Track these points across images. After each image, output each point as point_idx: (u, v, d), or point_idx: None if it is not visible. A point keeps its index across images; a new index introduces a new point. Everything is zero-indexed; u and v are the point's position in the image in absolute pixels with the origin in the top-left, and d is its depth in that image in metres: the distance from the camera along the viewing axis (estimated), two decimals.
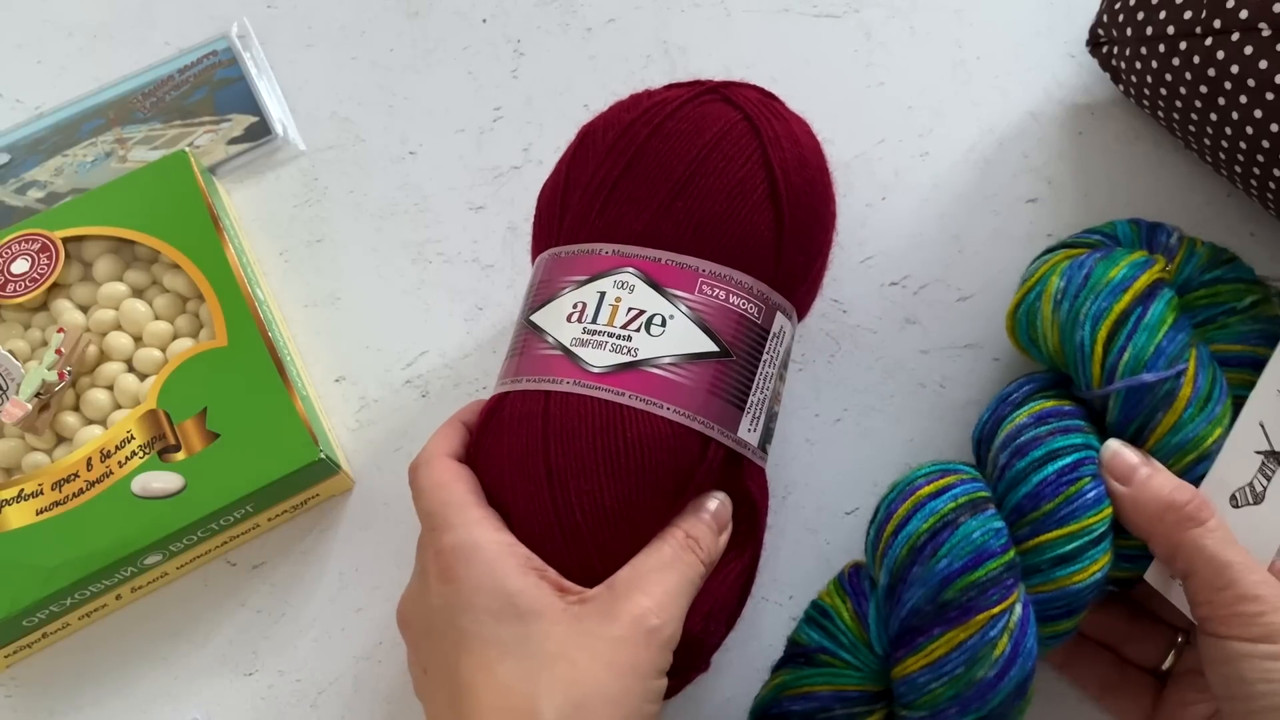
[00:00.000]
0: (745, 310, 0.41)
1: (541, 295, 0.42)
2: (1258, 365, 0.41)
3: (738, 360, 0.40)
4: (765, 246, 0.41)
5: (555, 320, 0.41)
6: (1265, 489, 0.41)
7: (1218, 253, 0.44)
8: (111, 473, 0.45)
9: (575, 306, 0.40)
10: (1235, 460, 0.40)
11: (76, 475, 0.45)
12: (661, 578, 0.37)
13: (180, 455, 0.45)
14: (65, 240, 0.49)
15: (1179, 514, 0.38)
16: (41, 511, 0.45)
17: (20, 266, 0.49)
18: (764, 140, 0.42)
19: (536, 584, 0.37)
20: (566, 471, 0.38)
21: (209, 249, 0.49)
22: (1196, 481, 0.40)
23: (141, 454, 0.45)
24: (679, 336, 0.40)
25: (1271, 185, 0.45)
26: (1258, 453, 0.41)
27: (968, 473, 0.41)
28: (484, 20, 0.57)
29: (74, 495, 0.45)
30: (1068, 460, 0.39)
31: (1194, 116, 0.46)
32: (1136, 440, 0.40)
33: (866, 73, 0.55)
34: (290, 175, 0.55)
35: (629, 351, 0.39)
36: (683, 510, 0.40)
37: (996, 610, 0.37)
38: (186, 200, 0.50)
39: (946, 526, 0.38)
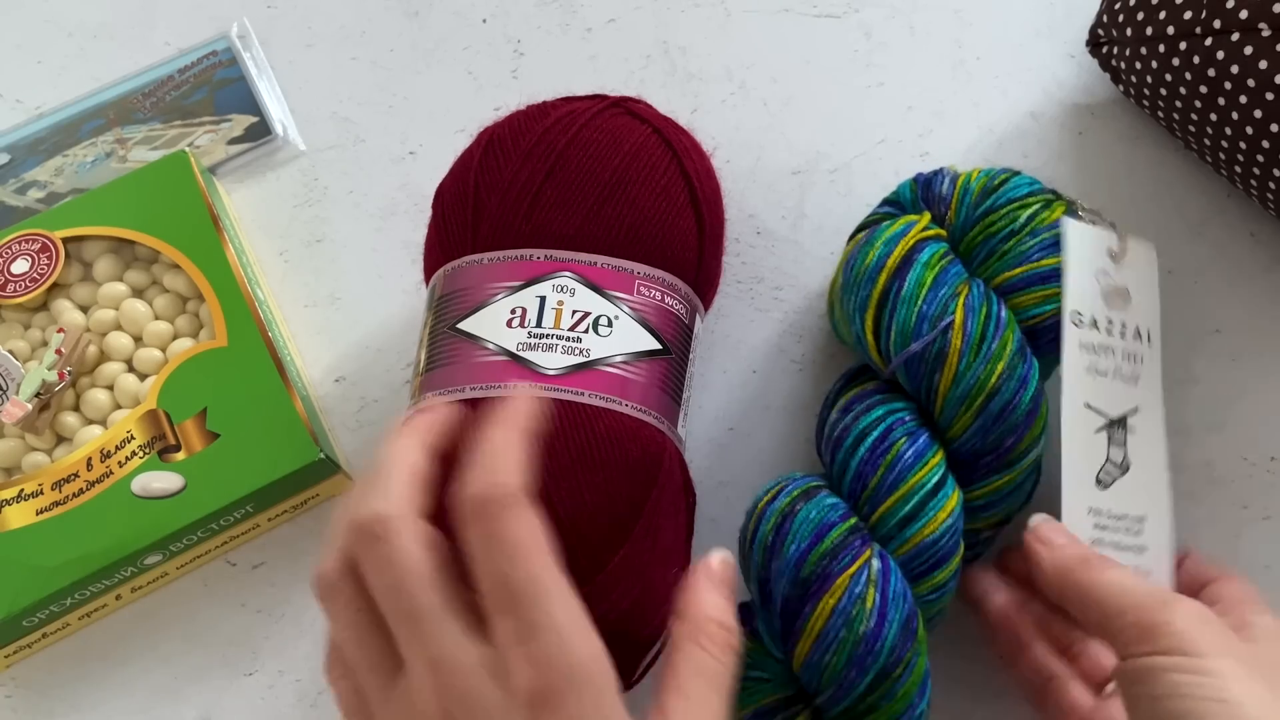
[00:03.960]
0: (677, 310, 0.43)
1: (465, 303, 0.42)
2: (1046, 279, 0.42)
3: (676, 358, 0.42)
4: (690, 250, 0.43)
5: (492, 327, 0.41)
6: (1125, 455, 0.42)
7: (990, 180, 0.44)
8: (111, 473, 0.45)
9: (514, 312, 0.41)
10: (1082, 448, 0.41)
11: (76, 475, 0.45)
12: (713, 700, 0.33)
13: (180, 455, 0.45)
14: (65, 240, 0.49)
15: (1082, 558, 0.38)
16: (41, 511, 0.45)
17: (20, 266, 0.49)
18: (677, 152, 0.44)
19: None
20: (541, 473, 0.38)
21: (209, 249, 0.49)
22: (995, 424, 0.40)
23: (141, 454, 0.45)
24: (626, 336, 0.41)
25: (1271, 185, 0.45)
26: (1099, 430, 0.42)
27: (799, 476, 0.42)
28: (484, 20, 0.57)
29: (74, 495, 0.45)
30: (875, 434, 0.41)
31: (1194, 116, 0.46)
32: (930, 399, 0.41)
33: (866, 73, 0.55)
34: (290, 175, 0.55)
35: (581, 352, 0.40)
36: (693, 582, 0.35)
37: (853, 568, 0.39)
38: (186, 200, 0.50)
39: (786, 518, 0.40)
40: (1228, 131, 0.45)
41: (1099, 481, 0.41)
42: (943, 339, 0.41)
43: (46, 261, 0.49)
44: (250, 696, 0.46)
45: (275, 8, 0.58)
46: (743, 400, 0.49)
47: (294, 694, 0.46)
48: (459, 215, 0.43)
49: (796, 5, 0.57)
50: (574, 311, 0.41)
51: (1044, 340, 0.42)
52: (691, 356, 0.44)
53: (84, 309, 0.49)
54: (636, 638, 0.39)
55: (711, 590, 0.35)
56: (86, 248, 0.50)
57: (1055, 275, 0.42)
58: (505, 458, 0.33)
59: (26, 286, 0.49)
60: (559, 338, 0.40)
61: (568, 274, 0.41)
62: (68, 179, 0.55)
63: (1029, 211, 0.43)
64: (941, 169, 0.46)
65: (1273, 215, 0.48)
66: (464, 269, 0.42)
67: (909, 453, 0.40)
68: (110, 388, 0.48)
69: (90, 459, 0.46)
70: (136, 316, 0.49)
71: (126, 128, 0.56)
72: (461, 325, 0.41)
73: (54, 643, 0.47)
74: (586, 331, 0.40)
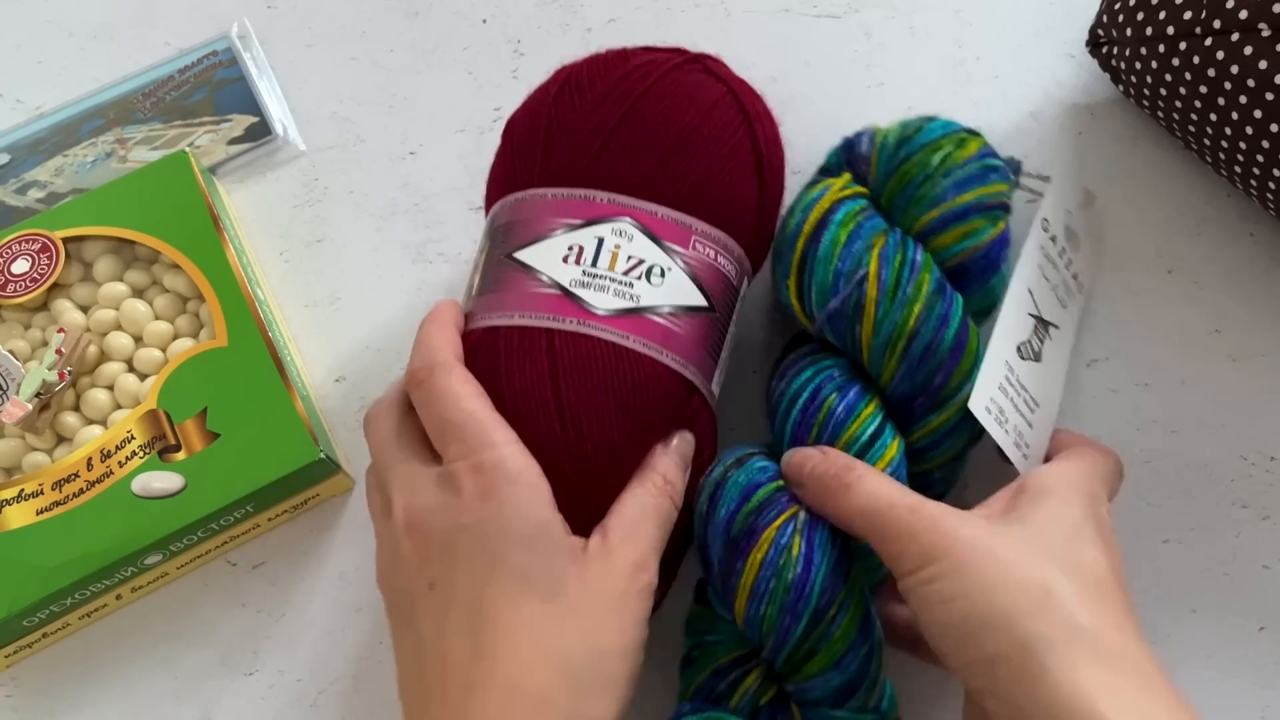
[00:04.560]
0: (727, 270, 0.43)
1: (525, 233, 0.42)
2: (962, 216, 0.43)
3: (720, 317, 0.42)
4: (748, 214, 0.43)
5: (549, 260, 0.41)
6: (1040, 350, 0.45)
7: (904, 130, 0.45)
8: (112, 473, 0.45)
9: (571, 249, 0.41)
10: (1015, 317, 0.43)
11: (77, 475, 0.45)
12: (646, 528, 0.39)
13: (180, 455, 0.45)
14: (65, 240, 0.49)
15: (831, 485, 0.39)
16: (41, 511, 0.45)
17: (20, 266, 0.49)
18: (749, 115, 0.44)
19: (562, 521, 0.38)
20: (579, 408, 0.39)
21: (209, 249, 0.49)
22: (921, 365, 0.41)
23: (142, 454, 0.45)
24: (676, 288, 0.41)
25: (1271, 185, 0.45)
26: (1030, 315, 0.44)
27: (738, 447, 0.43)
28: (484, 20, 0.57)
29: (74, 495, 0.45)
30: (805, 395, 0.42)
31: (1194, 116, 0.46)
32: (857, 351, 0.42)
33: (866, 73, 0.55)
34: (290, 175, 0.55)
35: (632, 298, 0.41)
36: (654, 449, 0.41)
37: (779, 521, 0.39)
38: (187, 200, 0.50)
39: (719, 486, 0.41)
40: (1228, 131, 0.45)
41: (1019, 350, 0.43)
42: (859, 291, 0.42)
43: (47, 261, 0.49)
44: (250, 696, 0.46)
45: (275, 8, 0.58)
46: (743, 398, 0.49)
47: (294, 694, 0.46)
48: (529, 149, 0.43)
49: (796, 5, 0.57)
50: (629, 257, 0.41)
51: (968, 277, 0.43)
52: (734, 318, 0.44)
53: (84, 309, 0.49)
54: None
55: (663, 455, 0.40)
56: (87, 248, 0.50)
57: (970, 212, 0.43)
58: (433, 340, 0.40)
59: (27, 286, 0.49)
60: (612, 280, 0.41)
61: (628, 219, 0.41)
62: (68, 179, 0.55)
63: (941, 153, 0.44)
64: (864, 128, 0.47)
65: (1273, 215, 0.48)
66: (527, 201, 0.43)
67: (840, 408, 0.41)
68: (110, 388, 0.48)
69: (90, 459, 0.46)
70: (136, 316, 0.49)
71: (126, 128, 0.56)
72: (518, 255, 0.42)
73: (54, 643, 0.47)
74: (639, 279, 0.41)
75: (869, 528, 0.38)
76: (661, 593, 0.42)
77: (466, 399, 0.39)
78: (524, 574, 0.36)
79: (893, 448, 0.41)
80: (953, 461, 0.43)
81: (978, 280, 0.43)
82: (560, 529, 0.37)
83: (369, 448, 0.41)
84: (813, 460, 0.40)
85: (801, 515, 0.40)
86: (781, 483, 0.41)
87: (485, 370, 0.40)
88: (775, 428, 0.43)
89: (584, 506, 0.39)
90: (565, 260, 0.41)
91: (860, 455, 0.40)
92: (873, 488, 0.38)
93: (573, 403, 0.39)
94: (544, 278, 0.41)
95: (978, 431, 0.43)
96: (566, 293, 0.40)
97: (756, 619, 0.39)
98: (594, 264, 0.41)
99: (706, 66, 0.44)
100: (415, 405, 0.40)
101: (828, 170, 0.47)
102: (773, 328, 0.51)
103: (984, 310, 0.44)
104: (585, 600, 0.36)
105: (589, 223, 0.41)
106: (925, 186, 0.43)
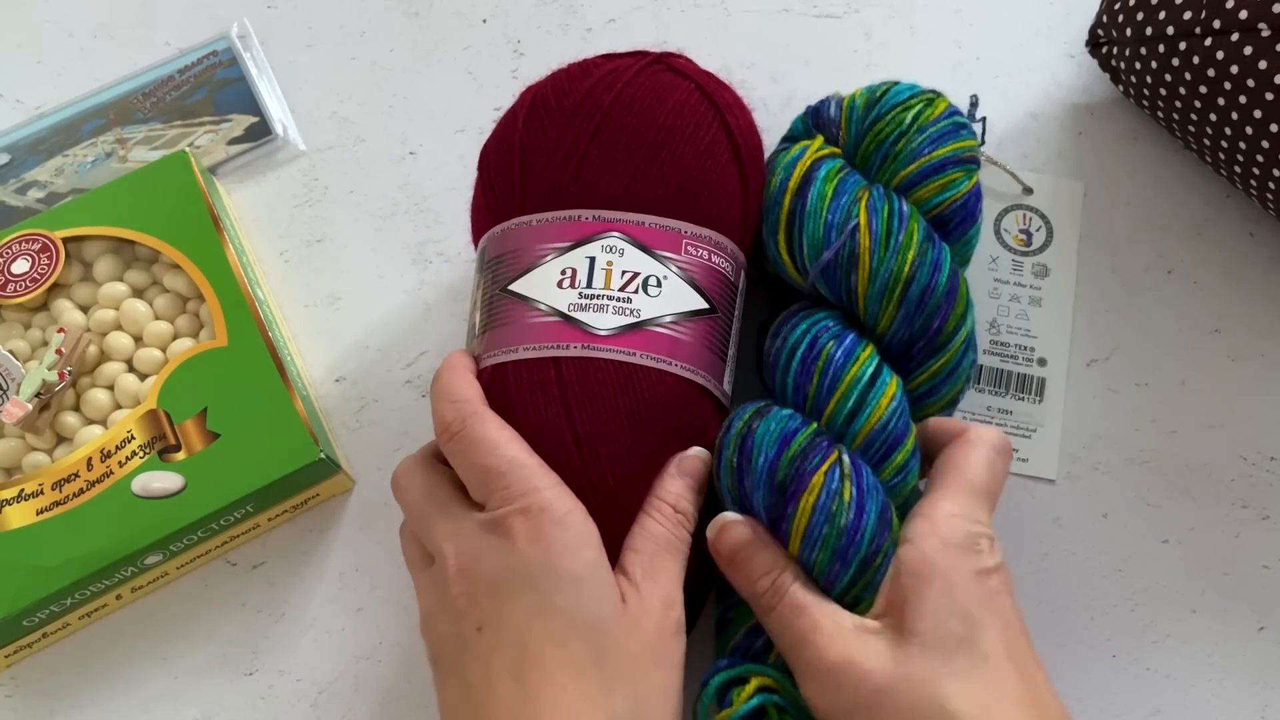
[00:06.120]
0: (723, 268, 0.43)
1: (516, 265, 0.42)
2: (940, 169, 0.44)
3: (722, 316, 0.42)
4: (734, 207, 0.43)
5: (543, 288, 0.41)
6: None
7: (871, 94, 0.47)
8: (112, 473, 0.45)
9: (564, 273, 0.41)
10: None
11: (77, 475, 0.45)
12: (664, 561, 0.39)
13: (180, 455, 0.45)
14: (65, 240, 0.49)
15: (759, 591, 0.39)
16: (42, 511, 0.45)
17: (21, 266, 0.49)
18: (719, 108, 0.44)
19: (607, 563, 0.37)
20: (595, 438, 0.39)
21: (209, 249, 0.49)
22: (919, 310, 0.42)
23: (142, 454, 0.45)
24: (674, 296, 0.41)
25: (1271, 185, 0.45)
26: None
27: (747, 404, 0.43)
28: (484, 20, 0.57)
29: (74, 495, 0.45)
30: (804, 346, 0.42)
31: (1194, 116, 0.46)
32: (851, 301, 0.43)
33: (866, 73, 0.55)
34: (290, 175, 0.55)
35: (632, 313, 0.40)
36: (663, 471, 0.40)
37: (826, 465, 0.39)
38: (187, 200, 0.50)
39: (746, 438, 0.41)
40: (1228, 131, 0.45)
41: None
42: (851, 241, 0.42)
43: (47, 261, 0.49)
44: (250, 696, 0.46)
45: (275, 8, 0.58)
46: (745, 400, 0.49)
47: (294, 694, 0.46)
48: (506, 177, 0.43)
49: (796, 5, 0.57)
50: (623, 272, 0.41)
51: (950, 226, 0.44)
52: (737, 313, 0.44)
53: (84, 309, 0.49)
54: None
55: (674, 478, 0.40)
56: (87, 248, 0.50)
57: (947, 165, 0.44)
58: (456, 391, 0.40)
59: (27, 286, 0.49)
60: (609, 298, 0.40)
61: (616, 234, 0.41)
62: (68, 179, 0.55)
63: (913, 112, 0.45)
64: (828, 96, 0.48)
65: (1272, 215, 0.48)
66: (513, 231, 0.42)
67: (838, 353, 0.42)
68: (110, 388, 0.48)
69: (90, 459, 0.46)
70: (137, 316, 0.49)
71: (126, 128, 0.56)
72: (513, 287, 0.42)
73: (54, 643, 0.47)
74: (636, 292, 0.41)
75: (790, 647, 0.38)
76: (689, 626, 0.42)
77: (504, 445, 0.38)
78: (571, 614, 0.36)
79: (893, 385, 0.41)
80: (950, 405, 0.44)
81: (957, 231, 0.44)
82: (607, 570, 0.37)
83: (400, 505, 0.41)
84: (743, 539, 0.40)
85: (845, 460, 0.40)
86: (813, 427, 0.40)
87: (499, 408, 0.40)
88: (775, 383, 0.43)
89: (611, 534, 0.39)
90: (560, 285, 0.41)
91: (862, 397, 0.41)
92: (803, 602, 0.38)
93: (589, 433, 0.39)
94: (542, 306, 0.41)
95: (969, 373, 0.44)
96: (567, 318, 0.40)
97: (808, 564, 0.39)
98: (589, 284, 0.41)
99: (670, 65, 0.44)
100: (449, 456, 0.40)
101: (794, 137, 0.48)
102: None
103: (962, 262, 0.45)
104: (626, 643, 0.36)
105: (578, 243, 0.41)
106: (901, 143, 0.44)
